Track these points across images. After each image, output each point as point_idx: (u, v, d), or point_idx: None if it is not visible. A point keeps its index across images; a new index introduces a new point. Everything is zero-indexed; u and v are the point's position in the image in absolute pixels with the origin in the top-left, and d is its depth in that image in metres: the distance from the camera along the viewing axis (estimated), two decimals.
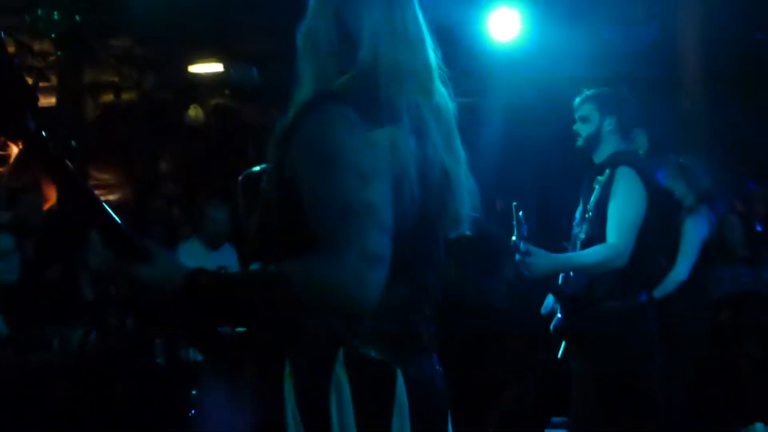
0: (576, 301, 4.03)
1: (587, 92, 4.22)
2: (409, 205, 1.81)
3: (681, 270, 5.40)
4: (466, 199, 1.99)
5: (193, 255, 5.83)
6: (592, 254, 3.90)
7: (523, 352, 6.46)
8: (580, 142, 4.17)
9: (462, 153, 2.02)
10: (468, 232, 2.04)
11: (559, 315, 4.14)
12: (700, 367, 5.49)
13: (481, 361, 6.32)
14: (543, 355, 5.88)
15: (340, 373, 1.78)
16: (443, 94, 2.00)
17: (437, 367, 1.98)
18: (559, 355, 4.21)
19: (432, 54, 1.99)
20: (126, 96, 11.50)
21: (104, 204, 1.80)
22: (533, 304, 4.46)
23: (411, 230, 1.84)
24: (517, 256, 3.93)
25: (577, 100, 4.23)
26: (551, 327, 4.19)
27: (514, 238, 3.91)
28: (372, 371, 1.80)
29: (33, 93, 1.68)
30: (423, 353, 1.93)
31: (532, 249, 3.91)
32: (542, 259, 3.91)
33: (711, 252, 5.58)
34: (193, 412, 4.56)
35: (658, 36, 8.65)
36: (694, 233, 5.48)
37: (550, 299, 4.29)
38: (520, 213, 3.91)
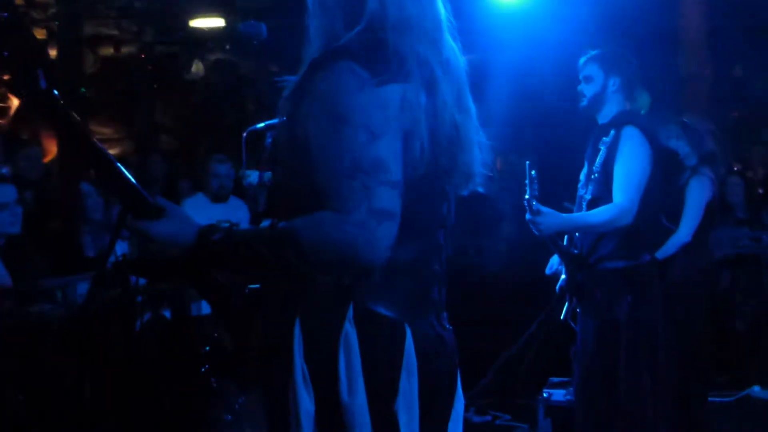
0: (581, 260, 4.05)
1: (591, 52, 4.19)
2: (419, 161, 1.80)
3: (684, 232, 5.39)
4: (477, 155, 1.98)
5: (198, 209, 5.84)
6: (599, 214, 3.93)
7: (522, 312, 6.50)
8: (584, 102, 4.16)
9: (472, 108, 1.99)
10: (480, 189, 2.03)
11: (563, 275, 4.15)
12: (699, 328, 5.51)
13: (481, 322, 6.36)
14: (543, 315, 5.92)
15: (349, 329, 1.78)
16: (453, 48, 1.98)
17: (447, 325, 1.98)
18: (562, 316, 4.23)
19: (441, 7, 1.97)
20: (126, 50, 11.42)
21: (116, 162, 1.81)
22: (532, 264, 4.48)
23: (420, 187, 1.83)
24: (528, 215, 3.94)
25: (582, 60, 4.20)
26: (557, 287, 4.21)
27: (526, 196, 3.91)
28: (381, 328, 1.80)
29: (45, 51, 1.68)
30: (432, 311, 1.92)
31: (543, 208, 3.91)
32: (552, 218, 3.92)
33: (713, 214, 5.57)
34: (206, 367, 4.60)
35: None
36: (697, 195, 5.46)
37: (554, 260, 4.31)
38: (533, 172, 3.91)
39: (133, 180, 1.82)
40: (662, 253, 5.28)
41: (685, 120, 5.78)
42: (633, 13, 8.28)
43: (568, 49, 4.32)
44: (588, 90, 4.14)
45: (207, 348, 4.64)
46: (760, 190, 8.58)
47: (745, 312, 6.74)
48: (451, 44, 1.98)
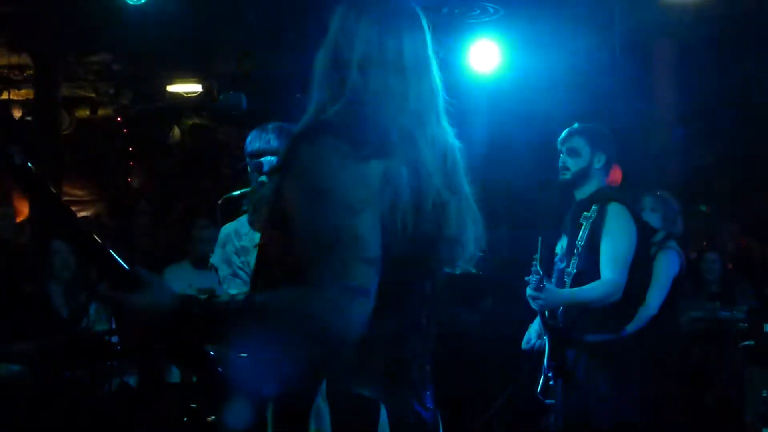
0: (564, 334, 4.04)
1: (576, 126, 4.21)
2: (401, 237, 1.79)
3: (652, 305, 5.41)
4: (469, 234, 1.96)
5: (183, 277, 5.82)
6: (592, 290, 3.94)
7: (495, 382, 6.47)
8: (567, 176, 4.14)
9: (465, 186, 1.99)
10: (474, 270, 2.01)
11: (547, 349, 4.13)
12: (670, 402, 5.51)
13: (455, 391, 6.31)
14: (511, 387, 5.90)
15: (321, 405, 1.76)
16: (441, 126, 1.97)
17: (429, 405, 1.94)
18: (538, 390, 4.20)
19: (430, 83, 1.97)
20: (102, 112, 11.45)
21: (91, 231, 1.79)
22: (507, 334, 4.48)
23: (402, 264, 1.82)
24: (530, 290, 3.95)
25: (566, 132, 4.21)
26: (545, 362, 4.17)
27: (534, 269, 3.94)
28: (354, 405, 1.78)
29: (20, 126, 1.68)
30: (411, 390, 1.89)
31: (547, 285, 3.93)
32: (553, 294, 3.96)
33: (681, 287, 5.61)
34: None
35: (634, 72, 8.74)
36: (665, 268, 5.50)
37: (530, 334, 4.30)
38: (543, 249, 3.96)
39: (109, 249, 1.79)
40: (632, 326, 5.30)
41: (660, 193, 5.84)
42: (606, 90, 8.42)
43: (543, 121, 4.38)
44: (573, 164, 4.13)
45: (185, 419, 4.56)
46: (730, 266, 8.66)
47: (715, 386, 6.75)
48: (438, 121, 1.97)
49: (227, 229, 3.67)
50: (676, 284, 5.50)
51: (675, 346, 5.58)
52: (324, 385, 1.77)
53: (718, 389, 6.68)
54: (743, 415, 5.53)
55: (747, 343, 5.70)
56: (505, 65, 7.67)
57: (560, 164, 4.17)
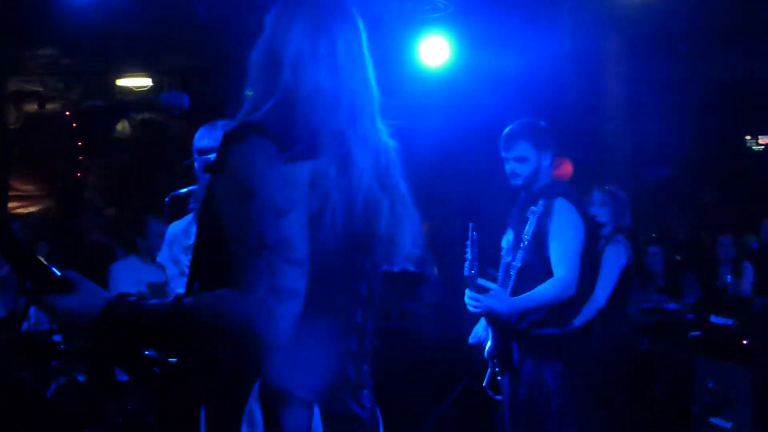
0: (511, 328, 4.03)
1: (514, 128, 4.15)
2: (331, 237, 1.79)
3: (599, 297, 5.47)
4: (406, 232, 1.97)
5: (131, 272, 5.77)
6: (545, 291, 3.90)
7: (448, 376, 6.50)
8: (519, 182, 4.12)
9: (401, 184, 1.99)
10: (411, 268, 2.01)
11: (489, 342, 4.12)
12: (619, 393, 5.59)
13: (405, 388, 6.34)
14: (465, 380, 5.93)
15: (254, 406, 1.75)
16: (374, 125, 1.97)
17: (367, 405, 1.93)
18: (484, 383, 4.21)
19: (365, 82, 1.97)
20: (50, 106, 11.30)
21: (14, 236, 1.78)
22: (460, 328, 4.46)
23: (333, 264, 1.82)
24: (469, 292, 3.93)
25: (506, 137, 4.13)
26: (485, 353, 4.17)
27: (467, 257, 3.90)
28: (287, 406, 1.77)
29: None
30: (346, 389, 1.89)
31: (489, 285, 3.90)
32: (499, 299, 3.89)
33: (628, 279, 5.69)
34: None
35: (584, 66, 8.83)
36: (612, 261, 5.57)
37: (478, 329, 4.27)
38: (474, 234, 3.90)
39: (35, 254, 1.79)
40: (580, 319, 5.36)
41: (609, 188, 5.90)
42: (554, 80, 8.49)
43: (492, 115, 4.36)
44: (523, 170, 4.08)
45: (120, 420, 4.52)
46: (678, 257, 8.79)
47: (664, 378, 6.85)
48: (372, 121, 1.97)
49: (174, 227, 3.64)
50: (624, 277, 5.57)
51: (623, 338, 5.66)
52: (257, 386, 1.76)
53: (666, 381, 6.78)
54: (690, 405, 5.61)
55: (694, 334, 5.79)
56: (455, 60, 7.70)
57: (509, 171, 4.14)
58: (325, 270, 1.80)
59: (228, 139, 1.79)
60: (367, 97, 1.97)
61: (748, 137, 12.53)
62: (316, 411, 1.79)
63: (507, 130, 4.16)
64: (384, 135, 1.99)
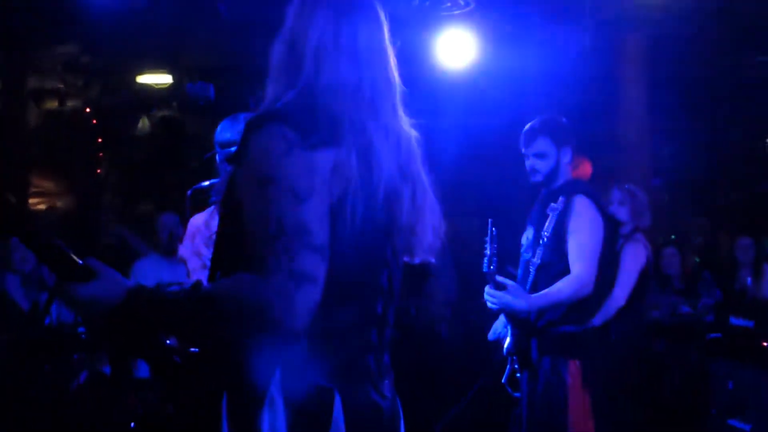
0: (530, 325, 4.03)
1: (534, 124, 4.18)
2: (352, 227, 1.79)
3: (619, 296, 5.46)
4: (427, 224, 1.98)
5: (152, 270, 5.80)
6: (562, 289, 3.91)
7: (464, 375, 6.49)
8: (539, 178, 4.13)
9: (421, 175, 1.99)
10: (431, 259, 2.01)
11: (509, 338, 4.12)
12: (631, 393, 5.56)
13: (423, 384, 6.33)
14: (483, 378, 5.92)
15: (276, 395, 1.76)
16: (396, 114, 1.98)
17: (387, 395, 1.94)
18: (503, 380, 4.21)
19: (386, 73, 1.97)
20: (70, 104, 11.34)
21: (38, 225, 1.78)
22: (476, 328, 4.47)
23: (356, 254, 1.83)
24: (489, 290, 3.91)
25: (527, 134, 4.16)
26: (505, 350, 4.17)
27: (486, 253, 3.90)
28: (309, 395, 1.78)
29: None
30: (367, 380, 1.89)
31: (508, 283, 3.89)
32: (516, 296, 3.90)
33: (647, 279, 5.67)
34: (132, 425, 4.50)
35: (604, 66, 8.80)
36: (632, 260, 5.55)
37: (497, 325, 4.28)
38: (494, 230, 3.90)
39: (58, 242, 1.78)
40: (599, 318, 5.34)
41: (629, 187, 5.88)
42: (576, 79, 8.46)
43: (514, 113, 4.36)
44: (542, 166, 4.10)
45: (141, 412, 4.53)
46: (696, 259, 8.74)
47: (674, 379, 6.81)
48: (394, 111, 1.97)
49: (196, 220, 3.65)
50: (643, 277, 5.55)
51: (640, 338, 5.64)
52: (278, 375, 1.77)
53: (680, 383, 6.74)
54: (708, 407, 5.58)
55: (713, 335, 5.75)
56: (477, 59, 7.67)
57: (529, 168, 4.14)
58: (346, 260, 1.80)
59: (249, 128, 1.79)
60: (388, 87, 1.97)
61: None
62: (338, 400, 1.79)
63: (527, 126, 4.16)
64: (406, 125, 1.99)
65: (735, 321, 5.58)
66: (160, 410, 4.49)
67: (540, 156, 4.11)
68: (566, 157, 4.11)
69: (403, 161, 1.95)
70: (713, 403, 5.52)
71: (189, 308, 1.71)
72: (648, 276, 5.63)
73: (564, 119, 4.23)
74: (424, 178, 2.01)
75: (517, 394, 4.20)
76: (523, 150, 4.17)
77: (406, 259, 2.02)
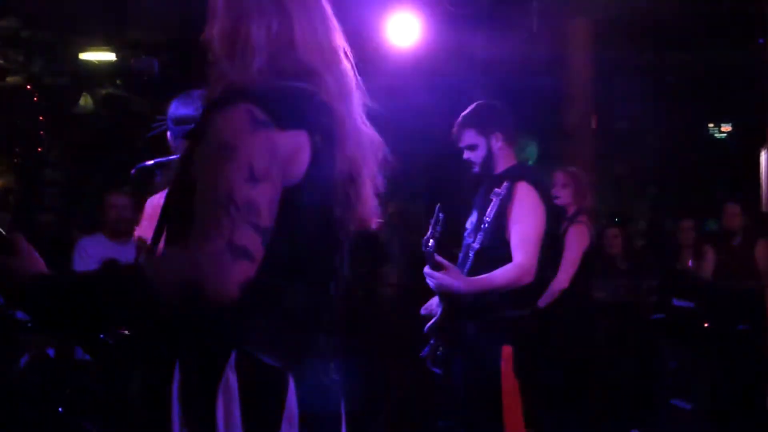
0: (466, 308, 4.02)
1: (459, 120, 4.15)
2: (308, 208, 1.79)
3: (562, 278, 5.53)
4: (373, 202, 1.98)
5: (96, 249, 5.70)
6: (502, 275, 3.89)
7: (409, 358, 6.51)
8: (476, 169, 4.15)
9: (369, 156, 1.98)
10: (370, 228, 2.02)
11: (437, 316, 4.11)
12: (579, 375, 5.63)
13: (370, 364, 6.34)
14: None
15: (230, 376, 1.73)
16: (354, 96, 1.97)
17: (335, 376, 1.94)
18: (422, 354, 4.20)
19: (342, 55, 1.96)
20: (11, 80, 11.11)
21: None
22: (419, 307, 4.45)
23: (311, 236, 1.82)
24: (427, 268, 3.90)
25: (455, 129, 4.14)
26: (426, 327, 4.15)
27: (427, 235, 3.89)
28: (263, 376, 1.76)
29: None
30: (319, 360, 1.89)
31: (446, 263, 3.90)
32: (454, 277, 3.88)
33: (590, 261, 5.74)
34: (60, 410, 4.43)
35: (550, 49, 8.85)
36: (575, 243, 5.62)
37: (433, 302, 4.26)
38: (441, 214, 3.89)
39: None
40: (543, 300, 5.39)
41: (571, 169, 5.95)
42: (523, 67, 8.51)
43: (458, 97, 4.35)
44: (475, 157, 4.11)
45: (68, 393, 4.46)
46: (641, 242, 8.87)
47: (621, 358, 6.92)
48: (352, 91, 1.97)
49: (154, 200, 3.56)
50: (586, 259, 5.62)
51: (585, 319, 5.71)
52: (233, 357, 1.74)
53: (627, 362, 6.85)
54: (651, 388, 5.67)
55: (657, 316, 5.85)
56: (424, 40, 7.67)
57: (465, 160, 4.18)
58: (302, 240, 1.80)
59: (214, 104, 1.76)
60: (345, 67, 1.96)
61: (710, 125, 12.67)
62: (291, 381, 1.78)
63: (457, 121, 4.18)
64: (359, 106, 1.99)
65: (677, 302, 5.67)
66: (90, 392, 4.43)
67: (470, 148, 4.14)
68: (497, 143, 4.11)
69: (359, 144, 1.95)
70: (656, 384, 5.60)
71: (111, 286, 1.64)
72: (591, 258, 5.70)
73: (492, 104, 4.23)
74: (372, 159, 2.00)
75: (436, 370, 4.20)
76: (458, 146, 4.19)
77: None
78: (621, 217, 9.67)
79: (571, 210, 5.77)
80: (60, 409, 4.42)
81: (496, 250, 3.96)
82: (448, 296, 4.02)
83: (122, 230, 5.90)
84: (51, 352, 4.99)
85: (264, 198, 1.69)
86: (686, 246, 7.48)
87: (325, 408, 1.90)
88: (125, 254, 5.50)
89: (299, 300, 1.83)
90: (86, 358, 5.04)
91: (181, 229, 1.72)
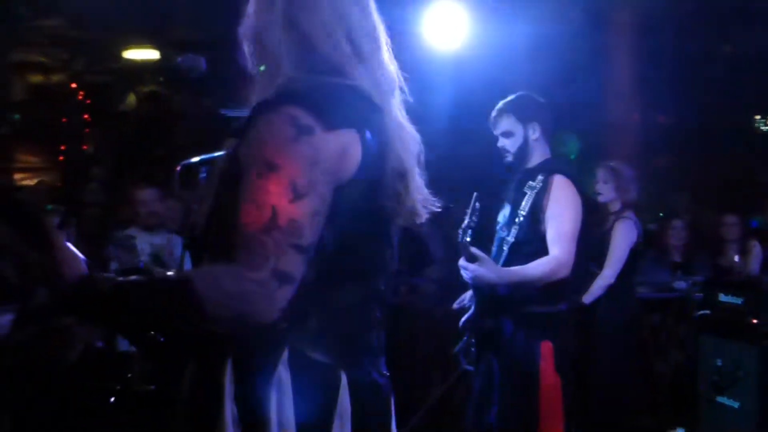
0: (497, 301, 3.99)
1: (500, 105, 4.14)
2: (359, 206, 1.79)
3: (608, 274, 5.50)
4: (421, 195, 1.97)
5: (137, 240, 5.80)
6: (537, 268, 3.86)
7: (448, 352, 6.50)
8: (510, 158, 4.12)
9: (415, 150, 1.98)
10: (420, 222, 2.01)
11: (471, 311, 4.09)
12: (624, 370, 5.59)
13: (410, 361, 6.34)
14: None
15: (283, 373, 1.75)
16: (399, 92, 1.98)
17: (385, 372, 1.95)
18: (456, 349, 4.18)
19: (386, 50, 1.96)
20: (56, 78, 11.26)
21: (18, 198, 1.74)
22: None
23: (362, 232, 1.83)
24: (463, 260, 3.89)
25: (493, 115, 4.13)
26: (461, 322, 4.13)
27: (464, 224, 3.88)
28: (315, 373, 1.77)
29: None
30: (370, 357, 1.90)
31: (481, 255, 3.87)
32: (489, 269, 3.86)
33: (637, 257, 5.69)
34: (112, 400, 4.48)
35: (594, 43, 8.78)
36: (622, 238, 5.58)
37: (467, 295, 4.23)
38: (477, 204, 3.88)
39: (19, 202, 1.73)
40: (589, 296, 5.36)
41: (613, 164, 5.90)
42: (564, 60, 8.44)
43: (502, 94, 4.31)
44: (510, 145, 4.08)
45: (119, 386, 4.51)
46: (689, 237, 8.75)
47: (666, 354, 6.85)
48: (397, 87, 1.97)
49: None
50: (633, 254, 5.57)
51: (630, 315, 5.66)
52: (286, 354, 1.76)
53: (672, 358, 6.78)
54: (697, 384, 5.61)
55: (702, 312, 5.78)
56: (467, 36, 7.62)
57: (500, 148, 4.14)
58: (354, 238, 1.81)
59: (260, 107, 1.76)
60: (392, 66, 1.97)
61: (757, 117, 12.48)
62: (344, 379, 1.80)
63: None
64: (399, 102, 1.99)
65: (724, 298, 5.59)
66: (140, 387, 4.48)
67: (506, 135, 4.11)
68: (534, 134, 4.08)
69: (406, 138, 1.95)
70: (702, 380, 5.54)
71: (161, 297, 1.66)
72: (638, 253, 5.66)
73: (533, 96, 4.20)
74: (418, 155, 1.99)
75: (470, 367, 4.17)
76: (494, 133, 4.17)
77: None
78: (664, 212, 9.56)
79: (617, 205, 5.72)
80: (111, 399, 4.48)
81: (531, 245, 3.93)
82: (482, 289, 4.01)
83: (154, 223, 6.01)
84: (101, 344, 5.06)
85: (308, 214, 1.70)
86: (731, 241, 7.39)
87: (376, 404, 1.90)
88: (159, 248, 5.58)
89: (350, 297, 1.84)
90: (132, 350, 5.11)
91: (227, 236, 1.72)
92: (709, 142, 11.16)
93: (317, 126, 1.72)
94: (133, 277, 1.71)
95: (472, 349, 4.12)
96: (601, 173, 5.81)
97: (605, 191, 5.74)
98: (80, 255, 1.75)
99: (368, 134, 1.80)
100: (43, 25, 9.90)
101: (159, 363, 1.82)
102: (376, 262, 1.91)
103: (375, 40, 1.94)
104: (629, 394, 5.64)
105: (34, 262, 1.71)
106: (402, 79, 2.01)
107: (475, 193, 3.93)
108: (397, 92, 1.98)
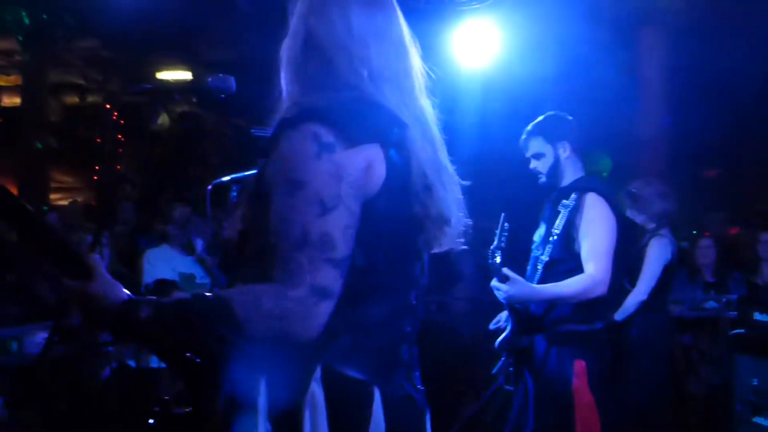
0: (536, 321, 3.98)
1: (529, 127, 4.14)
2: (388, 220, 1.79)
3: (641, 290, 5.45)
4: (454, 212, 1.96)
5: (168, 259, 5.84)
6: (572, 285, 3.84)
7: (481, 370, 6.47)
8: (543, 179, 4.11)
9: (447, 164, 1.98)
10: (462, 247, 2.01)
11: (507, 332, 4.08)
12: (655, 389, 5.53)
13: (442, 379, 6.31)
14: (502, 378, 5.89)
15: (316, 390, 1.75)
16: (426, 103, 1.97)
17: (419, 386, 1.95)
18: (494, 371, 4.17)
19: (412, 62, 1.96)
20: (91, 99, 11.39)
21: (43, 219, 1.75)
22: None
23: (392, 245, 1.83)
24: (495, 281, 3.89)
25: (523, 137, 4.13)
26: (497, 342, 4.12)
27: (493, 246, 3.88)
28: (349, 389, 1.78)
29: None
30: (403, 372, 1.90)
31: (511, 274, 3.87)
32: (521, 288, 3.86)
33: (671, 274, 5.64)
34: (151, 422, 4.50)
35: (622, 60, 8.75)
36: (656, 255, 5.53)
37: (502, 315, 4.22)
38: (506, 224, 3.88)
39: (55, 230, 1.76)
40: (621, 313, 5.31)
41: (633, 188, 5.84)
42: (593, 77, 8.41)
43: (532, 114, 4.30)
44: (542, 166, 4.08)
45: (157, 408, 4.53)
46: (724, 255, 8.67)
47: (700, 374, 6.78)
48: (424, 99, 1.97)
49: None
50: (667, 272, 5.52)
51: (662, 333, 5.61)
52: (319, 371, 1.76)
53: (705, 378, 6.71)
54: (733, 404, 5.53)
55: (737, 331, 5.71)
56: (495, 54, 7.63)
57: (533, 171, 4.14)
58: (383, 251, 1.81)
59: (283, 125, 1.77)
60: (418, 76, 1.96)
61: None
62: (377, 393, 1.80)
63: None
64: (430, 114, 1.98)
65: (760, 317, 5.52)
66: (174, 409, 4.50)
67: (537, 156, 4.10)
68: (565, 152, 4.07)
69: (434, 151, 1.94)
70: (738, 400, 5.46)
71: (201, 319, 1.69)
72: (672, 271, 5.61)
73: (561, 114, 4.18)
74: (450, 167, 1.99)
75: (509, 387, 4.15)
76: (525, 155, 4.16)
77: (434, 250, 2.00)
78: (697, 229, 9.48)
79: (652, 224, 5.68)
80: (151, 421, 4.50)
81: (566, 263, 3.91)
82: (517, 309, 4.00)
83: (185, 241, 6.05)
84: (133, 363, 5.10)
85: (338, 226, 1.71)
86: (765, 259, 7.31)
87: (410, 418, 1.91)
88: (189, 268, 5.62)
89: (381, 311, 1.84)
90: (162, 367, 5.14)
91: (263, 255, 1.73)
92: (744, 159, 11.07)
93: (338, 142, 1.73)
94: (172, 299, 1.74)
95: (510, 369, 4.10)
96: (627, 197, 5.78)
97: (632, 216, 5.71)
98: (113, 280, 1.78)
99: (392, 149, 1.81)
100: (78, 46, 10.04)
101: (193, 384, 1.82)
102: (406, 275, 1.91)
103: (402, 50, 1.94)
104: (661, 413, 5.58)
105: (70, 288, 1.74)
106: (433, 98, 2.01)
107: (503, 214, 3.93)
108: (426, 100, 1.98)
